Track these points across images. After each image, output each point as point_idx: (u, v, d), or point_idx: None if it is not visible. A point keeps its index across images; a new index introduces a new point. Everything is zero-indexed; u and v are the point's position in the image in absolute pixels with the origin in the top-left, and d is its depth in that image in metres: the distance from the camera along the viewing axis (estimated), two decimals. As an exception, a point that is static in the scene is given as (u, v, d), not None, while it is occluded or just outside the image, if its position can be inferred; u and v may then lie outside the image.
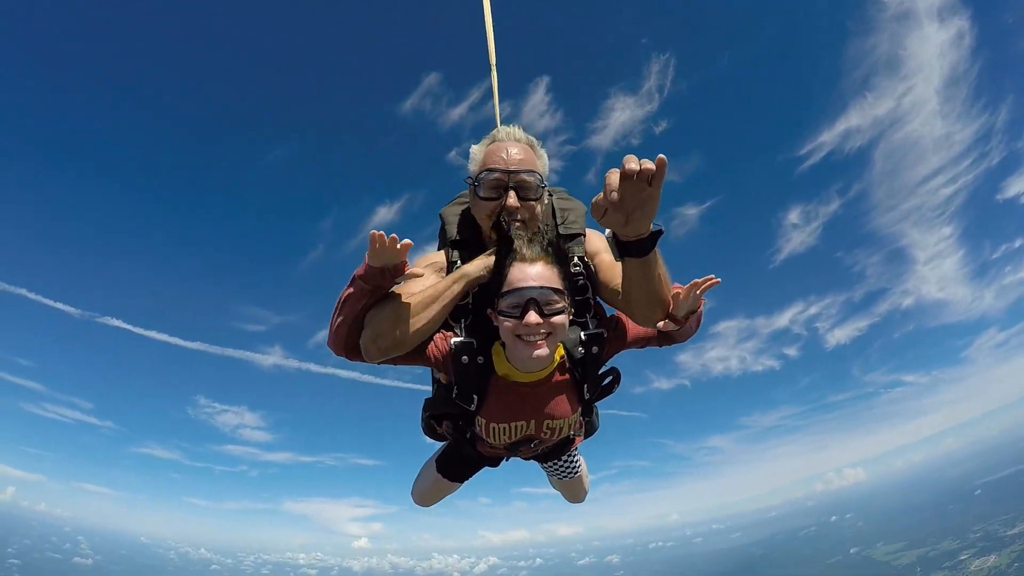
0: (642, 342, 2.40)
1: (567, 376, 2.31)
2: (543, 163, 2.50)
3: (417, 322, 2.14)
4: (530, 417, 2.33)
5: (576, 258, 2.38)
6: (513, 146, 2.42)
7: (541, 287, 2.02)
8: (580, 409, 2.43)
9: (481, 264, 2.23)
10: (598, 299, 2.47)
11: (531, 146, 2.49)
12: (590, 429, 2.95)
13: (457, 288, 2.20)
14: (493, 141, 2.49)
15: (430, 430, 2.82)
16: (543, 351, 2.04)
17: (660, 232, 1.88)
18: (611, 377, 2.39)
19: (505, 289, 2.06)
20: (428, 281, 2.31)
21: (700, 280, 2.12)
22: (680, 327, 2.22)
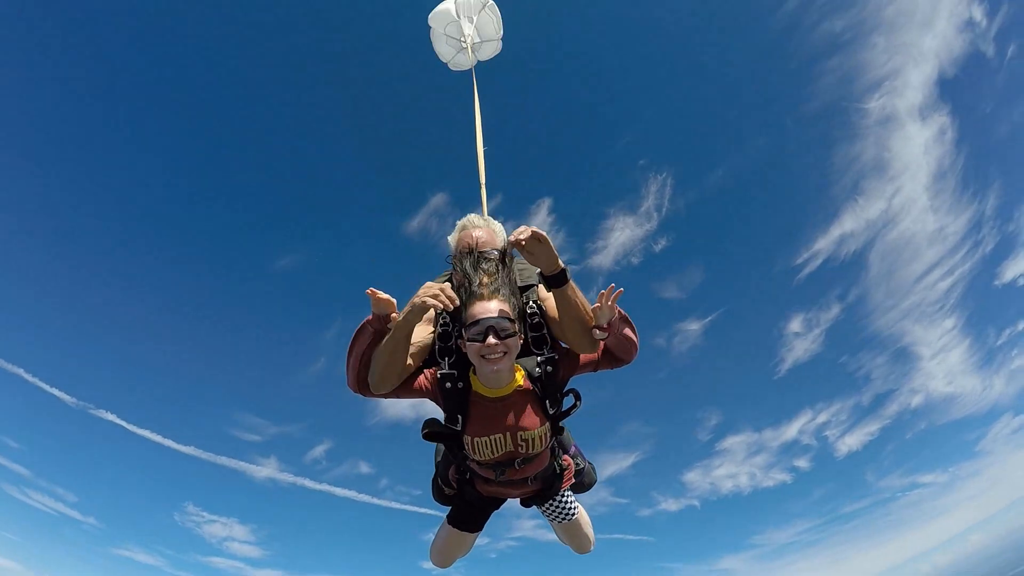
0: (592, 365, 2.89)
1: (530, 394, 2.80)
2: (501, 237, 3.22)
3: (383, 353, 2.68)
4: (504, 430, 2.80)
5: (532, 302, 2.92)
6: (477, 230, 3.18)
7: (497, 317, 2.58)
8: (548, 424, 2.86)
9: (420, 293, 2.60)
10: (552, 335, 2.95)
11: (491, 228, 3.26)
12: (588, 481, 3.52)
13: (408, 317, 2.61)
14: (463, 228, 3.25)
15: (439, 493, 3.34)
16: (502, 365, 2.60)
17: (566, 270, 2.67)
18: (571, 395, 2.86)
19: (470, 321, 2.61)
20: (420, 328, 2.83)
21: (605, 291, 2.70)
22: (608, 334, 2.74)
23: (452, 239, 3.28)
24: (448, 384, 2.77)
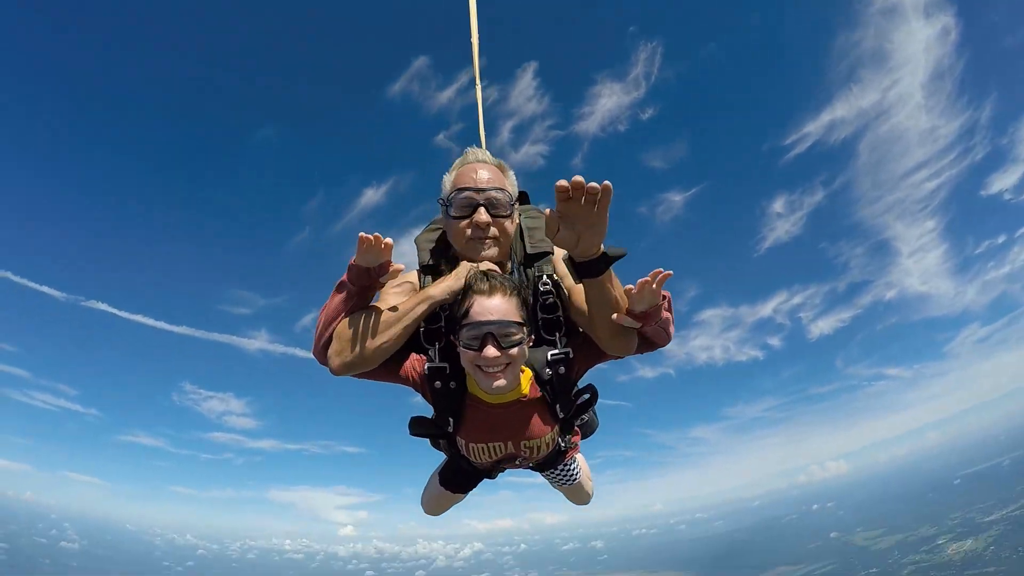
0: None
1: (538, 396, 2.35)
2: (511, 183, 2.55)
3: (379, 339, 2.19)
4: (506, 438, 2.41)
5: (545, 276, 2.39)
6: (483, 167, 2.48)
7: (499, 321, 2.06)
8: (558, 427, 2.48)
9: (445, 287, 2.25)
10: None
11: (500, 167, 2.55)
12: (589, 429, 3.03)
13: (420, 309, 2.23)
14: (464, 164, 2.53)
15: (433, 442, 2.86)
16: (502, 381, 2.12)
17: (617, 256, 2.06)
18: (588, 395, 2.39)
19: (465, 321, 2.10)
20: (401, 299, 2.33)
21: (650, 276, 2.09)
22: (642, 324, 2.20)
23: (448, 178, 2.53)
24: (438, 383, 2.29)
